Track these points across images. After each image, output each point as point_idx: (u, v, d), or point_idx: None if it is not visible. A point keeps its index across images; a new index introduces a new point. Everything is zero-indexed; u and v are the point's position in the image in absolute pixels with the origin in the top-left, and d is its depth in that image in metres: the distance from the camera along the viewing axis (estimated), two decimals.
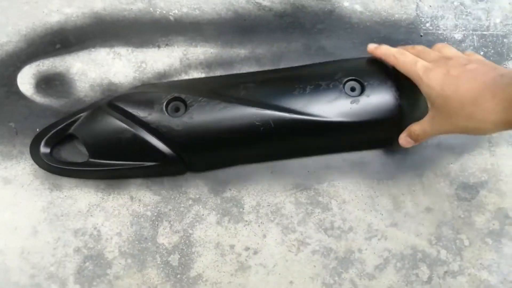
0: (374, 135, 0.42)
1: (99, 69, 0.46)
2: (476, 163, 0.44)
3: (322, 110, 0.39)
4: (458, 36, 0.48)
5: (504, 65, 0.48)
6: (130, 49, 0.47)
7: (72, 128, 0.41)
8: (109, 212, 0.41)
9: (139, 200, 0.41)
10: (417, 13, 0.49)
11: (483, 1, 0.50)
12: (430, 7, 0.49)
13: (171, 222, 0.41)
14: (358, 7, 0.49)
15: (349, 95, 0.39)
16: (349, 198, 0.42)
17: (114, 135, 0.39)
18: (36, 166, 0.41)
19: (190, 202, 0.42)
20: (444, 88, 0.34)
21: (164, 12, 0.48)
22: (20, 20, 0.47)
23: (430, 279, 0.41)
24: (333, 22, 0.49)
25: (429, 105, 0.37)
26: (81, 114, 0.41)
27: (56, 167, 0.40)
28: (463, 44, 0.48)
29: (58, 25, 0.47)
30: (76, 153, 0.42)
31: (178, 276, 0.39)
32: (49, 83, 0.45)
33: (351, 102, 0.39)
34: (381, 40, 0.48)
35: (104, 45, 0.47)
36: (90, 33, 0.47)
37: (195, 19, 0.48)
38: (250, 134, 0.39)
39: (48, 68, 0.45)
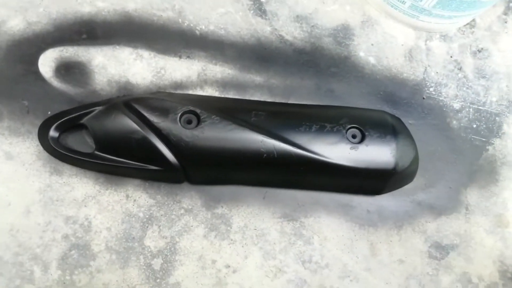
0: (365, 183, 0.44)
1: (120, 67, 0.47)
2: (451, 226, 0.47)
3: (322, 150, 0.41)
4: (456, 105, 0.52)
5: (492, 142, 0.51)
6: (152, 53, 0.48)
7: (85, 118, 0.42)
8: (103, 206, 0.42)
9: (134, 200, 0.43)
10: (424, 77, 0.53)
11: (485, 78, 0.54)
12: (437, 74, 0.53)
13: (161, 227, 0.42)
14: (371, 59, 0.53)
15: (349, 141, 0.42)
16: (331, 236, 0.45)
17: (125, 133, 0.41)
18: (41, 148, 0.42)
19: (182, 211, 0.43)
20: None
21: (192, 25, 0.50)
22: (53, 3, 0.48)
23: None
24: (347, 68, 0.52)
25: None
26: (96, 108, 0.43)
27: (61, 152, 0.42)
28: (459, 114, 0.52)
29: (89, 16, 0.49)
30: (82, 143, 0.43)
31: (158, 280, 0.41)
32: (69, 70, 0.46)
33: (351, 148, 0.42)
34: (386, 94, 0.51)
35: (129, 45, 0.48)
36: (118, 30, 0.49)
37: (220, 38, 0.50)
38: (253, 158, 0.41)
39: (71, 55, 0.47)
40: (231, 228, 0.43)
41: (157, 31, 0.49)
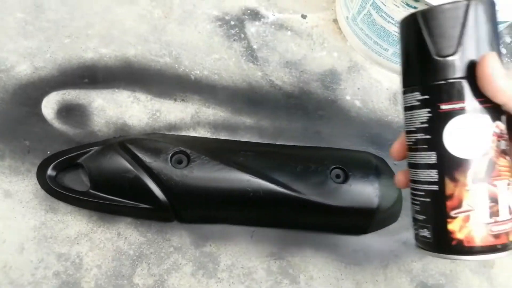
0: (349, 222, 0.45)
1: (118, 109, 0.50)
2: (437, 266, 0.48)
3: (306, 189, 0.43)
4: None
5: None
6: (149, 96, 0.51)
7: (82, 158, 0.44)
8: (95, 244, 0.43)
9: (125, 237, 0.44)
10: None
11: None
12: None
13: (150, 265, 0.43)
14: (357, 103, 0.55)
15: (333, 180, 0.44)
16: (317, 276, 0.46)
17: (118, 172, 0.43)
18: (38, 186, 0.44)
19: (171, 249, 0.44)
20: None
21: (187, 70, 0.54)
22: (59, 50, 0.52)
23: None
24: (334, 111, 0.54)
25: None
26: (93, 148, 0.45)
27: (57, 191, 0.43)
28: None
29: (91, 61, 0.52)
30: (78, 182, 0.45)
31: None
32: (69, 112, 0.49)
33: (334, 188, 0.43)
34: (372, 136, 0.53)
35: (127, 88, 0.52)
36: (117, 75, 0.52)
37: (213, 82, 0.53)
38: (240, 197, 0.43)
39: (73, 98, 0.50)
40: (218, 266, 0.44)
41: (154, 75, 0.53)
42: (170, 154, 0.43)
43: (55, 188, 0.44)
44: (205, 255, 0.45)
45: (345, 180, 0.44)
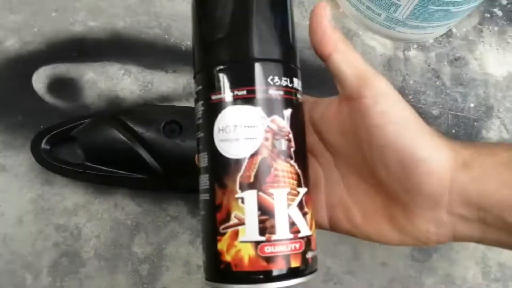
0: None
1: (109, 82, 0.50)
2: None
3: None
4: (435, 112, 0.54)
5: None
6: (140, 68, 0.51)
7: (75, 131, 0.44)
8: (93, 215, 0.44)
9: (122, 208, 0.45)
10: (402, 85, 0.55)
11: (462, 85, 0.55)
12: (415, 82, 0.55)
13: (148, 234, 0.44)
14: None
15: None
16: None
17: (111, 144, 0.43)
18: (33, 160, 0.44)
19: (168, 218, 0.45)
20: None
21: (177, 41, 0.53)
22: (46, 24, 0.51)
23: None
24: (327, 79, 0.54)
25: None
26: (85, 120, 0.45)
27: (52, 164, 0.44)
28: (438, 120, 0.54)
29: (80, 35, 0.51)
30: (72, 155, 0.45)
31: (145, 285, 0.42)
32: (61, 86, 0.49)
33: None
34: None
35: (117, 61, 0.51)
36: (107, 48, 0.51)
37: None
38: None
39: (63, 72, 0.49)
40: None
41: (144, 47, 0.52)
42: (162, 124, 0.43)
43: (50, 162, 0.44)
44: None
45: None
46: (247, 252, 0.23)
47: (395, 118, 0.25)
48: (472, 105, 0.55)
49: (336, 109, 0.28)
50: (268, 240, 0.23)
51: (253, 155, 0.24)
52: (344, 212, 0.29)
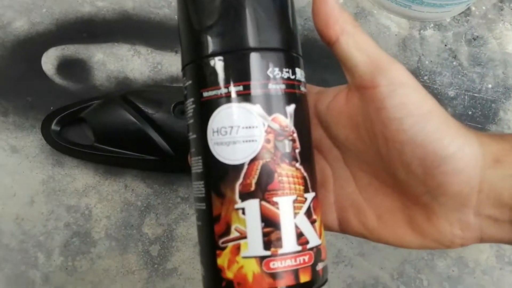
0: None
1: (118, 63, 0.49)
2: None
3: None
4: (451, 93, 0.52)
5: (488, 128, 0.51)
6: (150, 49, 0.50)
7: (84, 112, 0.44)
8: (103, 196, 0.44)
9: (132, 189, 0.44)
10: (418, 65, 0.53)
11: (480, 66, 0.54)
12: (431, 62, 0.53)
13: (158, 215, 0.44)
14: None
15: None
16: None
17: (121, 125, 0.42)
18: (44, 141, 0.44)
19: (179, 200, 0.45)
20: None
21: None
22: (55, 5, 0.50)
23: None
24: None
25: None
26: (95, 101, 0.44)
27: (62, 145, 0.44)
28: (454, 101, 0.52)
29: (89, 16, 0.51)
30: (82, 136, 0.45)
31: (156, 266, 0.42)
32: (70, 67, 0.48)
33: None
34: None
35: (127, 42, 0.50)
36: (116, 28, 0.51)
37: None
38: None
39: (72, 53, 0.49)
40: None
41: (154, 28, 0.51)
42: (173, 105, 0.42)
43: (60, 143, 0.44)
44: None
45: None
46: (250, 269, 0.21)
47: (416, 110, 0.22)
48: (490, 86, 0.53)
49: (345, 100, 0.25)
50: (274, 255, 0.21)
51: (254, 160, 0.21)
52: (356, 214, 0.26)
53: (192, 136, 0.23)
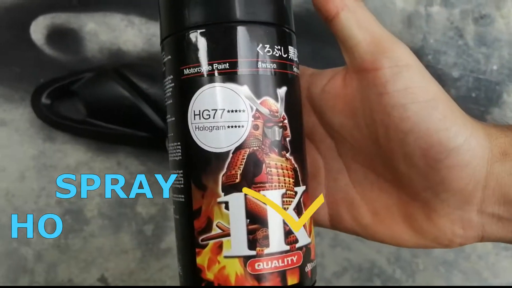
0: None
1: (111, 34, 0.47)
2: None
3: None
4: (455, 74, 0.51)
5: (491, 111, 0.50)
6: (144, 19, 0.48)
7: (76, 85, 0.42)
8: (95, 173, 0.43)
9: (126, 167, 0.43)
10: (422, 44, 0.51)
11: (486, 46, 0.52)
12: (436, 41, 0.52)
13: (152, 194, 0.43)
14: None
15: None
16: None
17: (114, 100, 0.41)
18: (34, 115, 0.43)
19: None
20: None
21: None
22: None
23: None
24: None
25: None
26: (86, 74, 0.42)
27: (53, 119, 0.42)
28: (458, 83, 0.51)
29: None
30: (74, 110, 0.44)
31: (149, 245, 0.42)
32: (60, 37, 0.46)
33: None
34: None
35: (120, 11, 0.48)
36: None
37: None
38: None
39: (63, 22, 0.46)
40: None
41: None
42: None
43: (51, 117, 0.42)
44: None
45: None
46: (233, 269, 0.19)
47: (421, 96, 0.20)
48: (495, 67, 0.52)
49: (342, 83, 0.23)
50: (260, 255, 0.19)
51: (239, 148, 0.19)
52: (349, 210, 0.25)
53: (171, 119, 0.21)
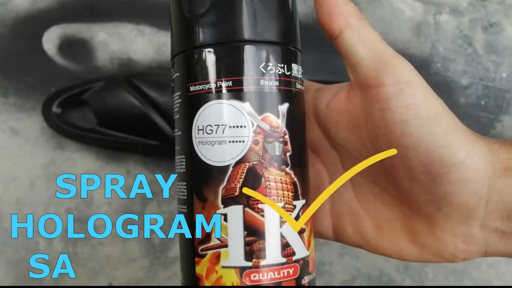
0: None
1: (121, 43, 0.47)
2: None
3: None
4: (464, 82, 0.51)
5: (501, 119, 0.50)
6: (154, 29, 0.48)
7: (86, 94, 0.43)
8: (104, 181, 0.43)
9: (135, 175, 0.43)
10: (431, 52, 0.51)
11: (495, 54, 0.52)
12: (445, 49, 0.51)
13: (160, 203, 0.43)
14: None
15: None
16: None
17: (124, 109, 0.41)
18: (45, 124, 0.43)
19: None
20: None
21: None
22: None
23: None
24: None
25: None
26: (97, 83, 0.43)
27: (64, 128, 0.42)
28: (467, 91, 0.50)
29: None
30: (84, 119, 0.44)
31: (157, 254, 0.42)
32: (72, 47, 0.47)
33: None
34: None
35: (131, 21, 0.49)
36: (120, 7, 0.49)
37: None
38: None
39: (74, 32, 0.47)
40: None
41: (158, 6, 0.49)
42: None
43: (61, 126, 0.43)
44: None
45: None
46: (230, 280, 0.19)
47: (423, 112, 0.20)
48: (504, 75, 0.51)
49: (346, 99, 0.23)
50: (256, 266, 0.19)
51: (239, 162, 0.20)
52: (352, 223, 0.25)
53: (177, 133, 0.22)
